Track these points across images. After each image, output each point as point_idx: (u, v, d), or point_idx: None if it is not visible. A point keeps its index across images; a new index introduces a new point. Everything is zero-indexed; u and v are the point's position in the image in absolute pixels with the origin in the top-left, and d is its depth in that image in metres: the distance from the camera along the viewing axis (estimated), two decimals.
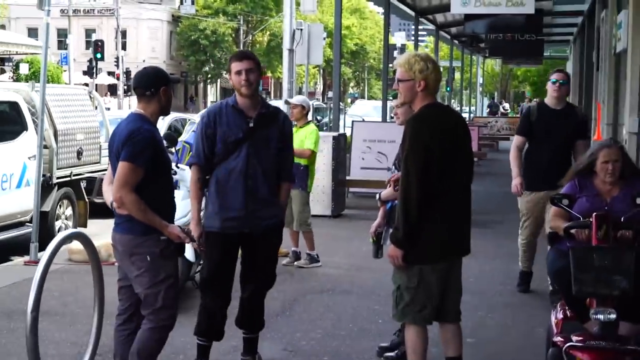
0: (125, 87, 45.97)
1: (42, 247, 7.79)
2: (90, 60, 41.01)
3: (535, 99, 46.11)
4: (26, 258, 8.93)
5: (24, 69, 32.07)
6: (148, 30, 65.43)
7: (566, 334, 4.60)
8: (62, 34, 52.56)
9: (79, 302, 7.13)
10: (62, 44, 53.65)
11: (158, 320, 4.69)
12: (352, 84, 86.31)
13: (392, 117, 5.96)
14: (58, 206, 10.42)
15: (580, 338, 4.45)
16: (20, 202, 9.66)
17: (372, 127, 15.33)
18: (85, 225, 10.74)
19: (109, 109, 25.34)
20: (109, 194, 4.70)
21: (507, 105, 59.78)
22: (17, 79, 31.38)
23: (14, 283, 7.86)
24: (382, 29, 27.19)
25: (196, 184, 5.27)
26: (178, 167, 7.59)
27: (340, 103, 18.06)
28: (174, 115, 15.91)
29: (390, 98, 19.36)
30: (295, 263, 8.86)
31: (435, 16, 24.32)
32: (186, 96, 67.95)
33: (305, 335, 6.40)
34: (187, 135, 12.25)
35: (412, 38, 25.26)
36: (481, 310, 7.17)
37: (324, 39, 20.77)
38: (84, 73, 43.26)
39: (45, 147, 9.85)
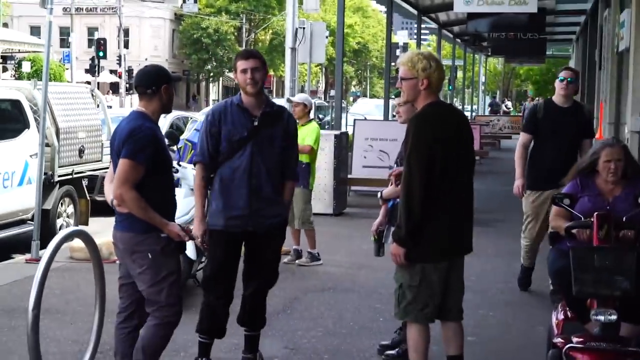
0: (128, 86, 46.01)
1: (43, 245, 7.78)
2: (92, 59, 41.04)
3: (537, 98, 46.07)
4: (27, 256, 8.93)
5: (26, 67, 32.08)
6: (150, 29, 65.44)
7: (567, 335, 4.56)
8: (65, 32, 52.53)
9: (80, 300, 7.13)
10: (64, 42, 53.65)
11: (163, 316, 4.69)
12: (354, 83, 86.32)
13: (394, 116, 5.96)
14: (60, 204, 10.42)
15: (581, 339, 4.40)
16: (21, 200, 9.66)
17: (374, 126, 15.30)
18: (86, 223, 10.75)
19: (110, 107, 25.37)
20: (110, 192, 4.71)
21: (509, 104, 59.72)
22: (19, 77, 31.40)
23: (15, 281, 7.87)
24: (384, 27, 27.19)
25: (200, 182, 5.27)
26: (180, 165, 7.59)
27: (343, 101, 18.03)
28: (176, 114, 15.94)
29: (393, 96, 19.34)
30: (297, 261, 8.86)
31: (437, 15, 24.30)
32: (188, 95, 67.97)
33: (306, 333, 6.39)
34: (189, 133, 12.25)
35: (415, 37, 25.30)
36: (482, 309, 7.16)
37: (327, 37, 20.80)
38: (86, 71, 43.36)
39: (47, 145, 9.85)
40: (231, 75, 61.04)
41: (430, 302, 4.69)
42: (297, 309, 7.13)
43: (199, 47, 62.95)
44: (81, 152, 10.90)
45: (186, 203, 7.29)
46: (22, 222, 9.79)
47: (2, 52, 18.24)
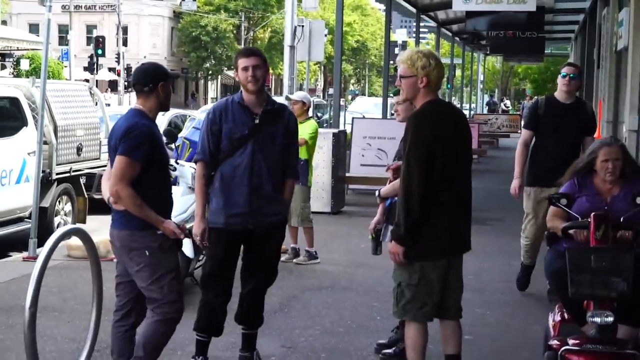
0: (126, 83, 45.97)
1: (41, 243, 7.78)
2: (91, 56, 41.04)
3: (536, 97, 46.05)
4: (25, 254, 8.92)
5: (24, 65, 32.10)
6: (149, 27, 65.42)
7: (563, 336, 4.53)
8: (63, 30, 52.56)
9: (77, 298, 7.12)
10: (63, 40, 53.69)
11: (164, 313, 4.68)
12: (352, 81, 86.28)
13: (392, 114, 5.96)
14: (57, 202, 10.41)
15: (577, 341, 4.38)
16: (19, 198, 9.65)
17: (373, 124, 15.30)
18: (84, 222, 10.74)
19: (109, 105, 25.35)
20: (107, 190, 4.70)
21: (508, 102, 59.73)
22: (17, 74, 31.39)
23: (13, 279, 7.86)
24: (383, 25, 27.18)
25: (201, 180, 5.26)
26: (178, 163, 7.58)
27: (341, 100, 18.05)
28: (174, 112, 15.93)
29: (391, 95, 19.35)
30: (294, 260, 8.85)
31: (436, 13, 24.31)
32: (187, 92, 67.97)
33: (304, 331, 6.39)
34: (187, 131, 12.24)
35: (414, 35, 25.27)
36: (480, 308, 7.16)
37: (325, 35, 20.76)
38: (85, 69, 43.29)
39: (45, 142, 9.84)
40: (230, 73, 61.17)
41: (429, 301, 4.69)
42: (294, 307, 7.13)
43: (198, 45, 62.96)
44: (79, 150, 10.89)
45: (184, 201, 7.28)
46: (20, 219, 9.77)
47: (0, 50, 18.22)
